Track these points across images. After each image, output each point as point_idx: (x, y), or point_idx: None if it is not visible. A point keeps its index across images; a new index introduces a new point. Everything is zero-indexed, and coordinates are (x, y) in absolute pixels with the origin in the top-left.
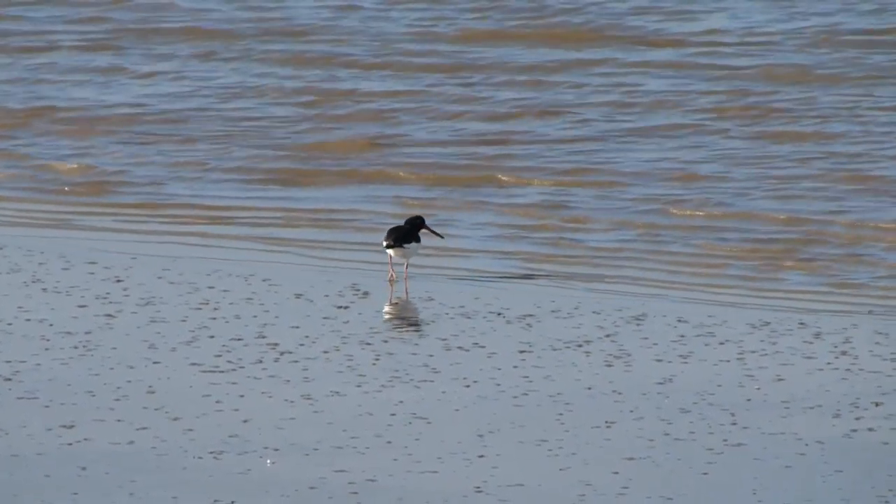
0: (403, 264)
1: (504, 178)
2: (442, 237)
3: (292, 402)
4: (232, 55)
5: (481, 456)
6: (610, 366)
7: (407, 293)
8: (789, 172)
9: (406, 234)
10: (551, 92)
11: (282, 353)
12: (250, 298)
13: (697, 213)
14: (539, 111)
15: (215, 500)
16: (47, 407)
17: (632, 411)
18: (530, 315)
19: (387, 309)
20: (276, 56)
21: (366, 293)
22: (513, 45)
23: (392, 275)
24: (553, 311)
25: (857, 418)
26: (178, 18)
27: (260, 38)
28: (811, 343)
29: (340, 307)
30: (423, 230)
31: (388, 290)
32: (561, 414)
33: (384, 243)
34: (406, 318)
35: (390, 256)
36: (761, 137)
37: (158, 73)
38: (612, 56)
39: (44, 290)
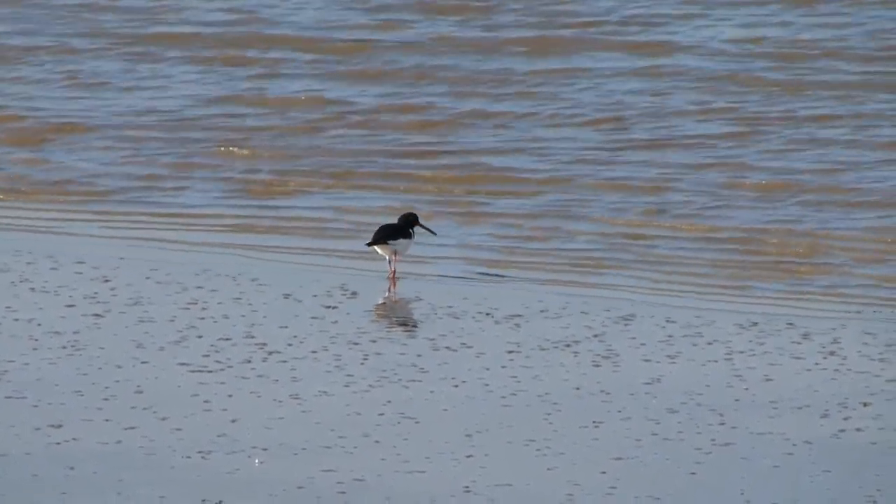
0: (394, 261)
1: (488, 188)
2: (435, 234)
3: (280, 401)
4: (208, 61)
5: (469, 456)
6: (598, 366)
7: (395, 293)
8: (772, 181)
9: (394, 230)
10: (535, 101)
11: (270, 353)
12: (238, 298)
13: (682, 222)
14: (524, 119)
15: (203, 500)
16: (35, 406)
17: (620, 411)
18: (518, 315)
19: (375, 309)
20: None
21: (354, 293)
22: (488, 54)
23: (392, 273)
24: (541, 312)
25: (846, 418)
26: (153, 23)
27: (233, 44)
28: (799, 343)
29: (329, 307)
30: (417, 227)
31: (376, 290)
32: (549, 414)
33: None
34: (394, 318)
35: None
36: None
37: (130, 81)
38: (592, 65)
39: (32, 289)
